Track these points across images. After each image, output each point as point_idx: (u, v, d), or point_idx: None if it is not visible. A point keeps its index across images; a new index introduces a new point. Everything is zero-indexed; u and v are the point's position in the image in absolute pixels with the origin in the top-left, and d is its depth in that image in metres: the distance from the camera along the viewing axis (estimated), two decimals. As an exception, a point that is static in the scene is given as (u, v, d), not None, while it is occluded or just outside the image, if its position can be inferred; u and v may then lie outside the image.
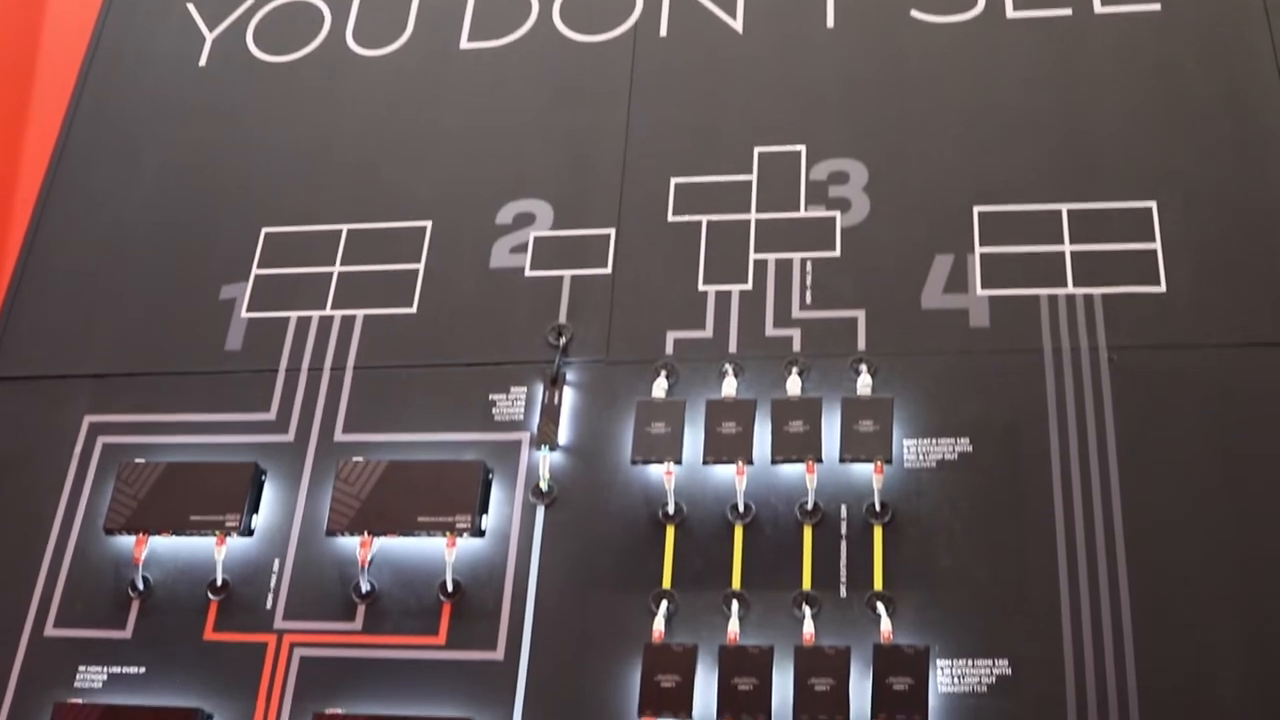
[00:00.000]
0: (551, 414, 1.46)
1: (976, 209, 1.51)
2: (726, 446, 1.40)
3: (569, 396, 1.47)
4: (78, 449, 1.58)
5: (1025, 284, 1.46)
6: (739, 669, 1.30)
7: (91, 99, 1.81)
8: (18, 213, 1.76)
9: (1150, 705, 1.26)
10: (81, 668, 1.47)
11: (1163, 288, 1.43)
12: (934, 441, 1.40)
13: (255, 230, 1.66)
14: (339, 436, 1.52)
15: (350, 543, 1.45)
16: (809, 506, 1.39)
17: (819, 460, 1.38)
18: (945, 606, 1.33)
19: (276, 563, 1.47)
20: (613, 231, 1.57)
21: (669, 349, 1.49)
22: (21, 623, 1.50)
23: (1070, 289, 1.44)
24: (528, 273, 1.56)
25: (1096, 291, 1.44)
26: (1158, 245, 1.46)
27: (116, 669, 1.46)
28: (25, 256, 1.70)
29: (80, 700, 1.43)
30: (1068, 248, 1.47)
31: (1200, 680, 1.26)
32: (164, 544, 1.50)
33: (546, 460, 1.45)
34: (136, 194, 1.72)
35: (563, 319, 1.53)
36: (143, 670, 1.45)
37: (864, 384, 1.41)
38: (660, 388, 1.45)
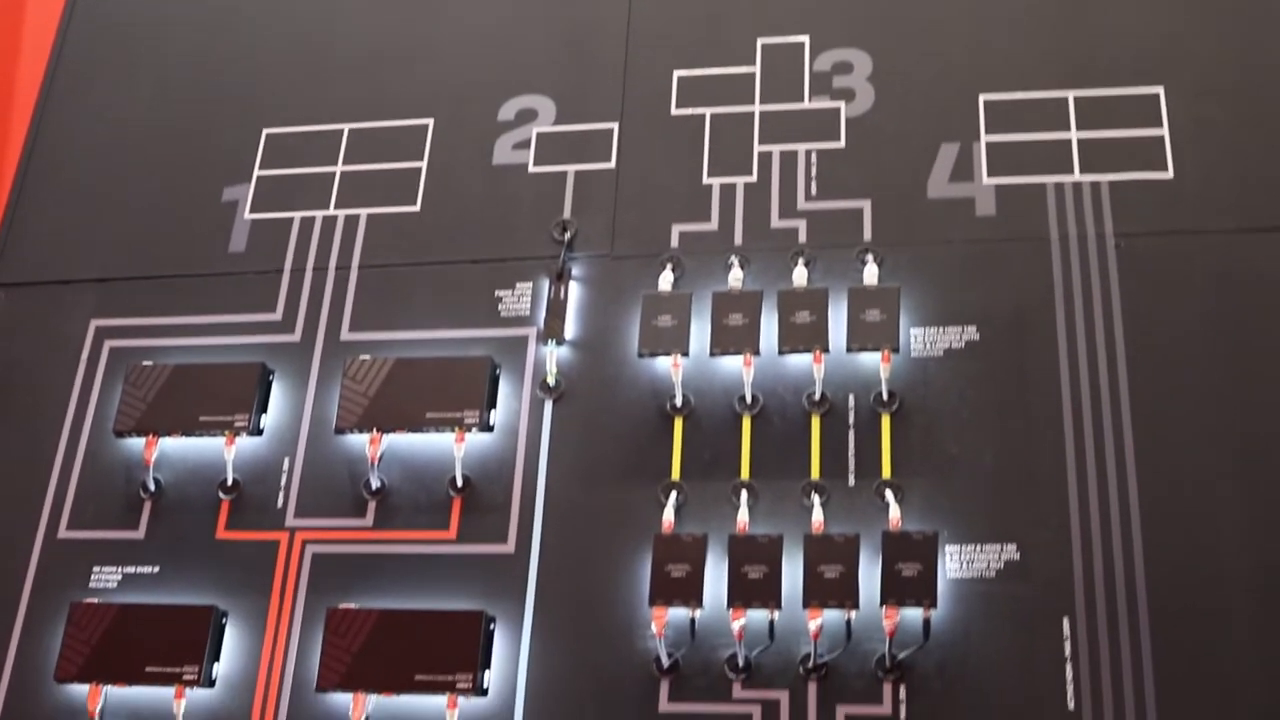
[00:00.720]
0: (557, 309, 1.46)
1: (982, 97, 1.50)
2: (733, 338, 1.40)
3: (575, 291, 1.47)
4: (84, 353, 1.58)
5: (1032, 172, 1.45)
6: (749, 557, 1.30)
7: (87, 2, 1.78)
8: (17, 119, 1.75)
9: (1157, 587, 1.27)
10: (96, 569, 1.47)
11: (1170, 174, 1.42)
12: (941, 330, 1.40)
13: (256, 132, 1.65)
14: (345, 335, 1.52)
15: (359, 440, 1.45)
16: (816, 396, 1.39)
17: (826, 350, 1.38)
18: (953, 493, 1.34)
19: (286, 461, 1.48)
20: (616, 126, 1.56)
21: (674, 242, 1.48)
22: (35, 526, 1.51)
23: (1077, 176, 1.44)
24: (531, 169, 1.56)
25: (1103, 178, 1.43)
26: (1165, 131, 1.45)
27: (130, 569, 1.47)
28: (25, 163, 1.69)
29: (96, 600, 1.43)
30: (1074, 135, 1.47)
31: (1207, 561, 1.27)
32: (174, 445, 1.50)
33: (553, 355, 1.45)
34: (136, 97, 1.71)
35: (567, 214, 1.52)
36: (156, 570, 1.46)
37: (870, 274, 1.41)
38: (666, 281, 1.44)
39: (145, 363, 1.54)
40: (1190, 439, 1.32)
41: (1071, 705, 1.26)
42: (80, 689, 1.42)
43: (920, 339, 1.41)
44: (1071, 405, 1.36)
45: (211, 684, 1.40)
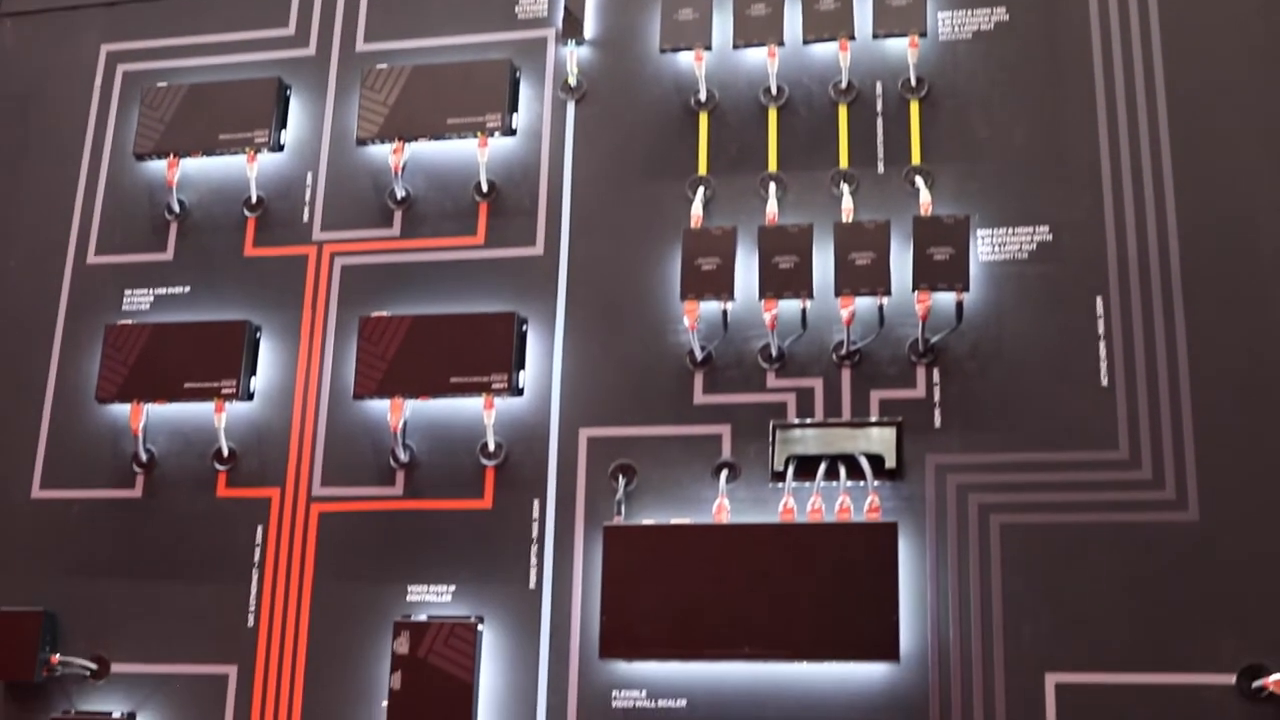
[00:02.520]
0: (575, 7, 1.43)
1: None
2: (757, 28, 1.37)
3: (592, -12, 1.43)
4: (98, 80, 1.56)
5: None
6: (779, 248, 1.29)
7: None
8: None
9: (1191, 265, 1.26)
10: (127, 291, 1.48)
11: None
12: (969, 12, 1.37)
13: None
14: (361, 46, 1.49)
15: (381, 151, 1.44)
16: (843, 85, 1.36)
17: (852, 38, 1.35)
18: (984, 176, 1.32)
19: (309, 176, 1.46)
20: None
21: (692, -67, 1.43)
22: (63, 254, 1.51)
23: None
24: None
25: None
26: None
27: (162, 290, 1.47)
28: (21, -113, 1.64)
29: (130, 322, 1.43)
30: None
31: (1241, 239, 1.26)
32: (195, 166, 1.49)
33: (573, 55, 1.42)
34: None
35: (581, -93, 1.47)
36: (187, 289, 1.46)
37: (895, -44, 1.36)
38: (685, -27, 1.40)
39: (160, 84, 1.51)
40: (1226, 114, 1.29)
41: (1105, 382, 1.26)
42: (122, 408, 1.43)
43: (948, 22, 1.37)
44: (1104, 84, 1.33)
45: (250, 397, 1.41)
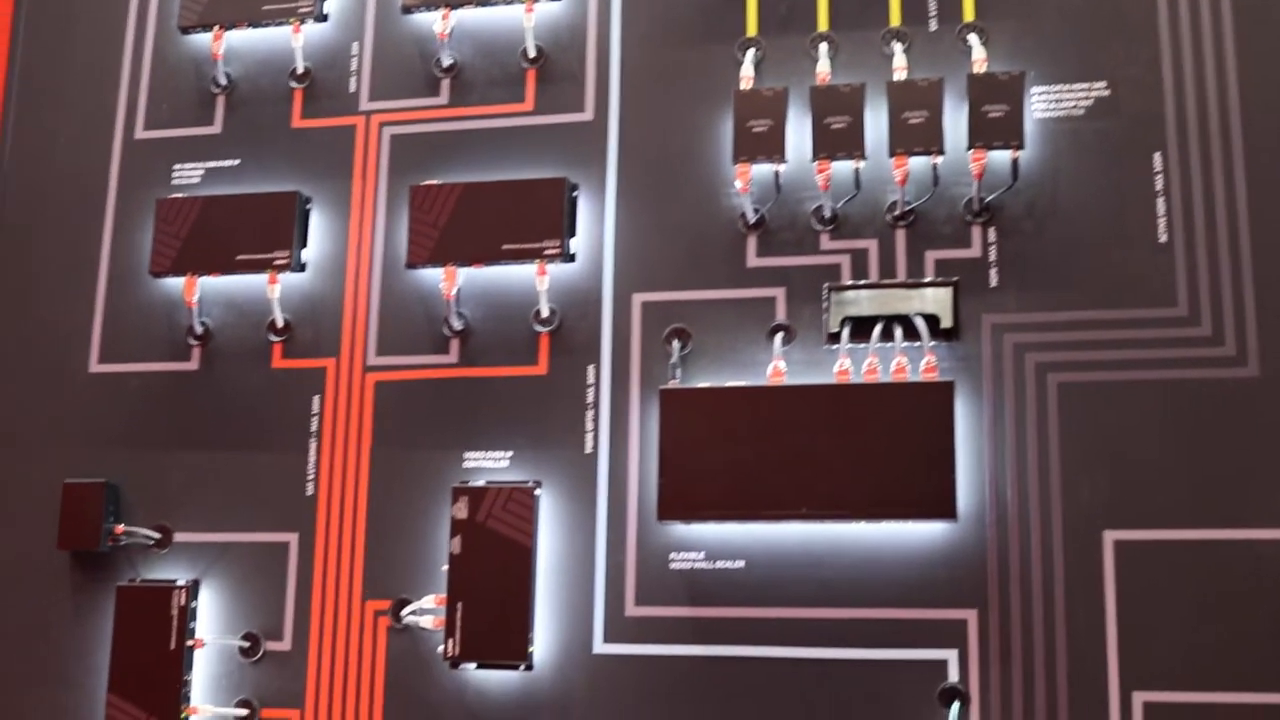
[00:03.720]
0: None
1: None
2: (805, -116, 1.34)
3: None
4: (140, -48, 1.54)
5: None
6: (831, 108, 1.28)
7: None
8: None
9: (1251, 116, 1.25)
10: (176, 166, 1.48)
11: None
12: None
13: None
14: (401, -89, 1.47)
15: (427, 19, 1.43)
16: (895, -60, 1.33)
17: (903, -110, 1.32)
18: (1039, 33, 1.30)
19: (355, 46, 1.46)
20: None
21: None
22: (111, 130, 1.51)
23: None
24: None
25: None
26: None
27: (211, 163, 1.47)
28: None
29: (180, 195, 1.43)
30: None
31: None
32: (241, 38, 1.48)
33: (619, -85, 1.39)
34: None
35: None
36: (237, 162, 1.46)
37: None
38: None
39: (198, -43, 1.50)
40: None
41: (1163, 239, 1.25)
42: (176, 282, 1.44)
43: (1001, -126, 1.34)
44: (1163, -66, 1.29)
45: (302, 268, 1.42)
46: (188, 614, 1.36)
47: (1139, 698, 1.18)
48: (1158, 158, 1.26)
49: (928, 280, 1.27)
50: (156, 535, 1.40)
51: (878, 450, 1.21)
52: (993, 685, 1.20)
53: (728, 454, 1.24)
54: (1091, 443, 1.22)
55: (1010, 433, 1.23)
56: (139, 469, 1.42)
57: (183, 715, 1.35)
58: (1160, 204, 1.25)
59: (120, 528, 1.40)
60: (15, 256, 1.50)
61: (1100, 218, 1.26)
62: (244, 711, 1.35)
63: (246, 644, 1.36)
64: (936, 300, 1.27)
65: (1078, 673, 1.18)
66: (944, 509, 1.20)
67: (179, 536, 1.40)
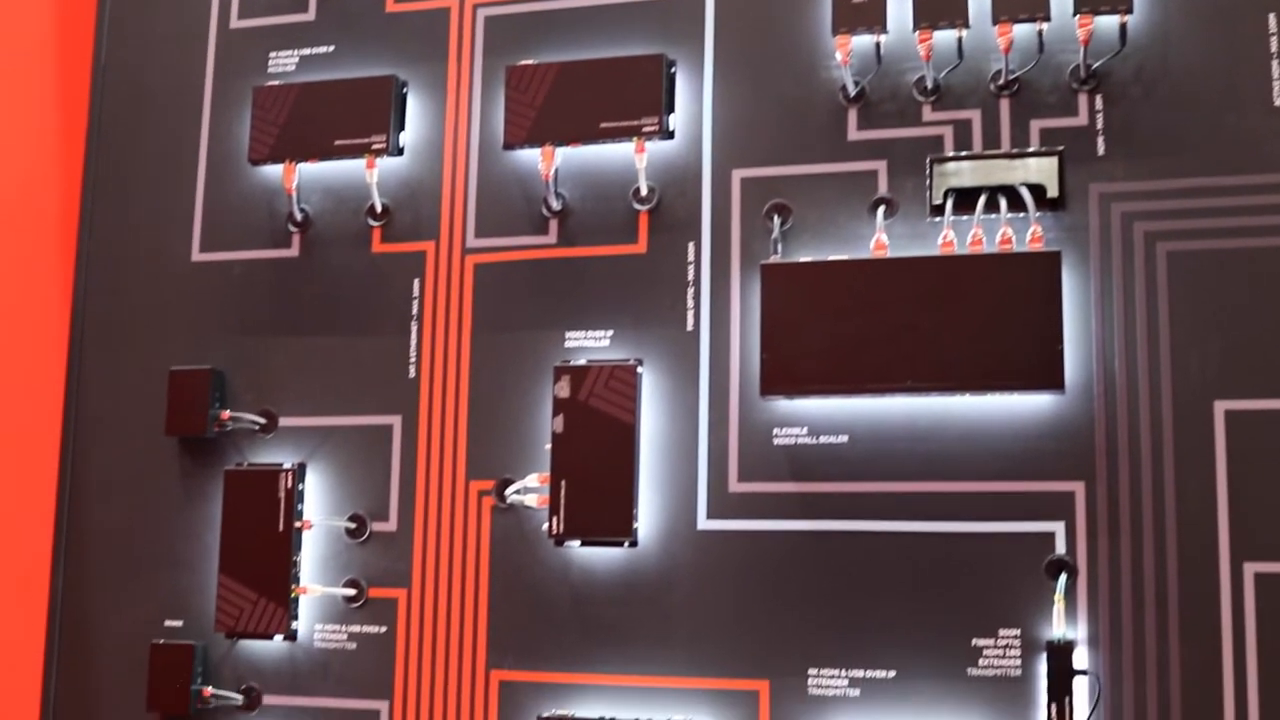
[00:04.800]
0: None
1: None
2: None
3: None
4: None
5: None
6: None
7: None
8: None
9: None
10: (272, 54, 1.48)
11: None
12: None
13: None
14: None
15: (519, -103, 1.40)
16: None
17: None
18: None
19: (447, -73, 1.44)
20: None
21: None
22: (207, 20, 1.52)
23: None
24: None
25: None
26: None
27: (306, 50, 1.47)
28: None
29: (277, 83, 1.44)
30: None
31: None
32: (332, -76, 1.47)
33: None
34: None
35: None
36: (331, 49, 1.46)
37: None
38: None
39: None
40: None
41: (1278, 102, 1.21)
42: (274, 169, 1.45)
43: None
44: None
45: (400, 152, 1.42)
46: (295, 496, 1.38)
47: (1250, 569, 1.17)
48: (1272, 19, 1.23)
49: (1033, 150, 1.25)
50: (262, 420, 1.42)
51: (983, 322, 1.20)
52: (1100, 557, 1.19)
53: (830, 328, 1.23)
54: (1201, 312, 1.20)
55: (1118, 303, 1.21)
56: (243, 356, 1.44)
57: (293, 595, 1.36)
58: (1275, 66, 1.22)
59: (226, 413, 1.42)
60: (116, 150, 1.52)
61: (1211, 82, 1.23)
62: (352, 591, 1.37)
63: (353, 525, 1.38)
64: (1042, 170, 1.24)
65: (1188, 544, 1.17)
66: (1051, 380, 1.19)
67: (284, 421, 1.42)
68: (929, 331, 1.20)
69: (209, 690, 1.39)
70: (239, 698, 1.39)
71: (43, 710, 1.44)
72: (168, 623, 1.42)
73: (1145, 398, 1.20)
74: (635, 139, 1.31)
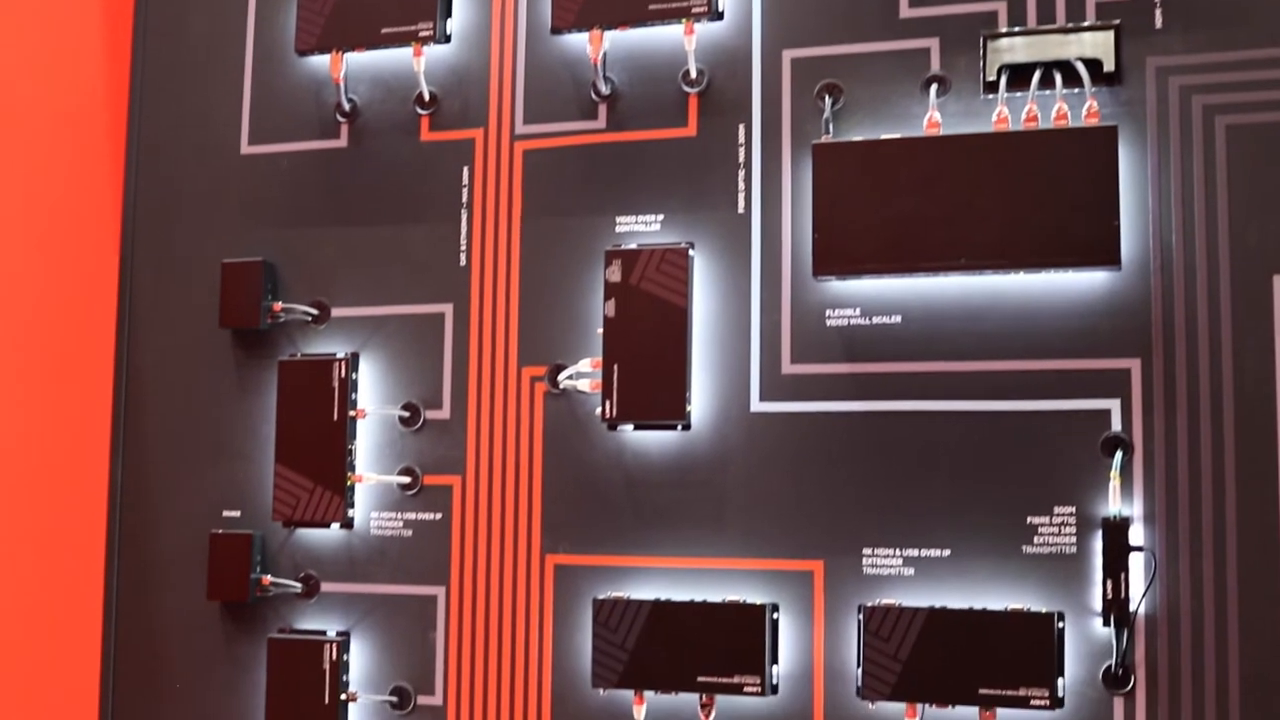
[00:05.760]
0: None
1: None
2: None
3: None
4: None
5: None
6: None
7: None
8: None
9: None
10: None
11: None
12: None
13: None
14: None
15: None
16: None
17: None
18: None
19: None
20: None
21: None
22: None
23: None
24: None
25: None
26: None
27: (350, -61, 1.45)
28: None
29: (321, -28, 1.43)
30: None
31: None
32: None
33: None
34: None
35: None
36: (376, -63, 1.44)
37: None
38: None
39: None
40: None
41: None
42: (321, 59, 1.45)
43: None
44: None
45: (447, 39, 1.42)
46: (349, 386, 1.39)
47: (1309, 443, 1.16)
48: (1335, -118, 1.20)
49: (1088, 24, 1.23)
50: (314, 311, 1.43)
51: (1038, 198, 1.19)
52: (1157, 434, 1.19)
53: (883, 208, 1.22)
54: (1260, 186, 1.18)
55: (1175, 178, 1.20)
56: (294, 247, 1.44)
57: (348, 484, 1.37)
58: (1337, -68, 1.19)
59: (278, 305, 1.43)
60: (163, 44, 1.52)
61: None
62: (407, 479, 1.38)
63: (407, 414, 1.38)
64: (1097, 44, 1.23)
65: (1244, 419, 1.17)
66: (1107, 256, 1.18)
67: (336, 312, 1.42)
68: (983, 209, 1.19)
69: (268, 579, 1.40)
70: (298, 586, 1.40)
71: (105, 602, 1.46)
72: (226, 513, 1.43)
73: (1202, 273, 1.18)
74: (684, 20, 1.30)
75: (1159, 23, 1.21)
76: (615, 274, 1.29)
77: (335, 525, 1.37)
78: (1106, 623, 1.16)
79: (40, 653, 1.42)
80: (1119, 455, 1.18)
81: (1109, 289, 1.20)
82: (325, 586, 1.39)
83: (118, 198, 1.50)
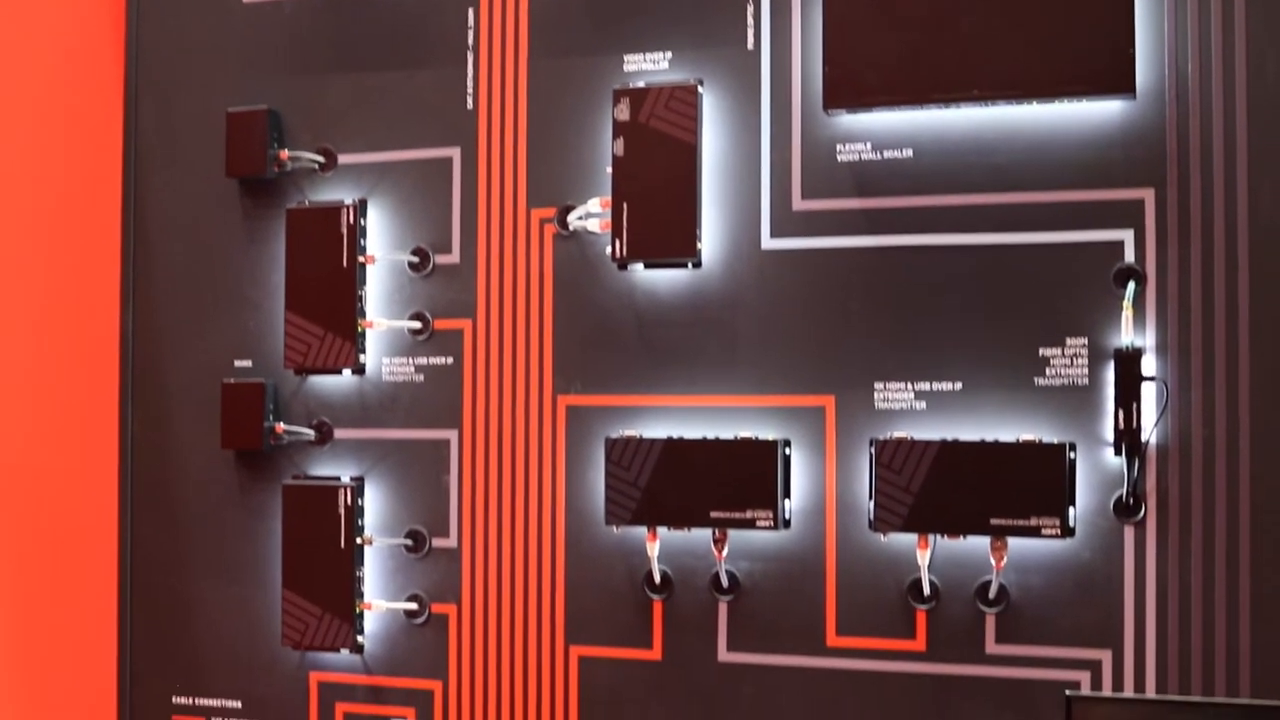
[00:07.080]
0: None
1: None
2: None
3: None
4: None
5: None
6: None
7: None
8: None
9: None
10: None
11: None
12: None
13: None
14: None
15: None
16: None
17: None
18: None
19: None
20: None
21: None
22: None
23: None
24: None
25: None
26: None
27: None
28: None
29: None
30: None
31: None
32: None
33: None
34: None
35: None
36: None
37: None
38: None
39: None
40: None
41: None
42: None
43: None
44: None
45: (449, -121, 1.38)
46: (357, 231, 1.38)
47: (1325, 279, 1.15)
48: None
49: None
50: (321, 159, 1.42)
51: (1051, 27, 1.17)
52: (1170, 265, 1.18)
53: (894, 39, 1.21)
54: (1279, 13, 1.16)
55: (1192, 4, 1.17)
56: (299, 95, 1.43)
57: (360, 329, 1.37)
58: None
59: (285, 153, 1.42)
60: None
61: None
62: (418, 324, 1.38)
63: (416, 259, 1.38)
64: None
65: (1259, 248, 1.16)
66: (1122, 84, 1.16)
67: (343, 159, 1.42)
68: (995, 39, 1.18)
69: (281, 426, 1.40)
70: (311, 433, 1.40)
71: (121, 451, 1.47)
72: (237, 362, 1.44)
73: (1219, 101, 1.17)
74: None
75: None
76: (623, 112, 1.28)
77: (347, 371, 1.38)
78: (1118, 453, 1.16)
79: (57, 506, 1.43)
80: (1131, 286, 1.17)
81: (1123, 118, 1.19)
82: (338, 433, 1.40)
83: (119, 46, 1.48)
